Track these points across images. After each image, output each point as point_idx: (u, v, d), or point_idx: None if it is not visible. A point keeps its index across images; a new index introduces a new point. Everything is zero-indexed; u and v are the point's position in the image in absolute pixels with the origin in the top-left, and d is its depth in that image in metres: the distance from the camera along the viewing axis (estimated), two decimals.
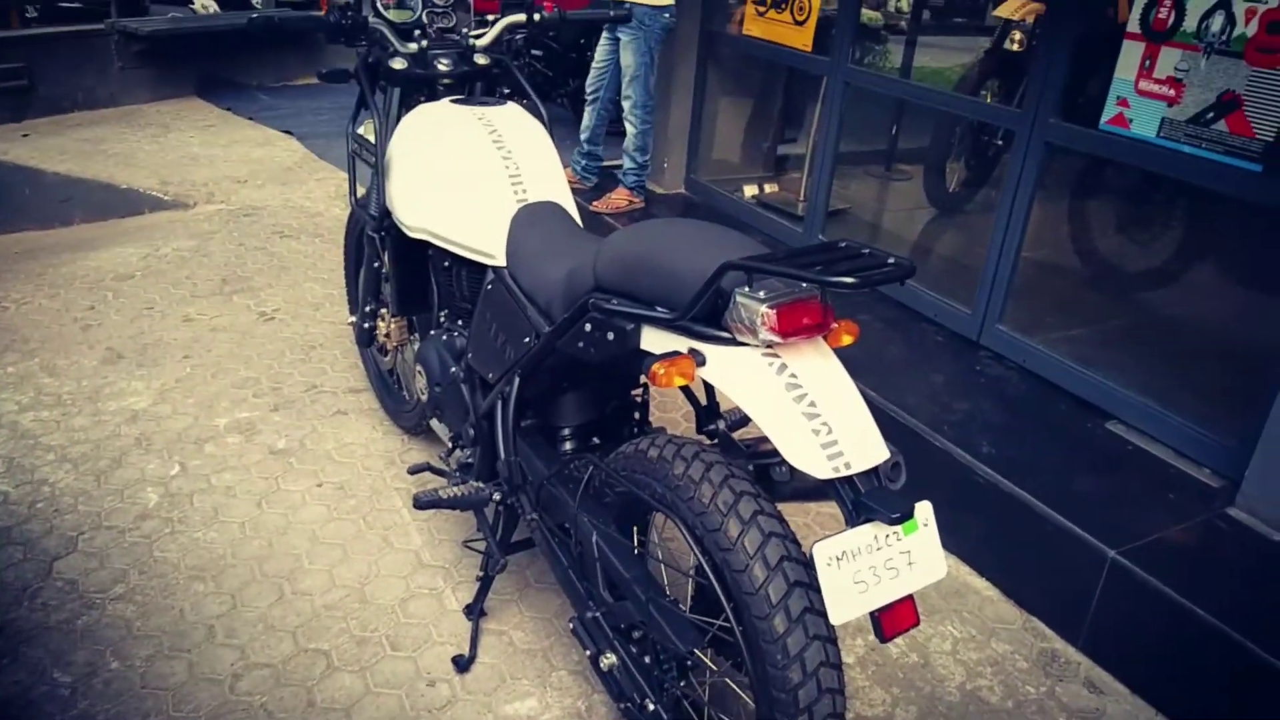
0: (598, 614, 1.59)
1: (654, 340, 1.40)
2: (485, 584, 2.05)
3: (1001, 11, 3.99)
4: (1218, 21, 2.29)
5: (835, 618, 1.20)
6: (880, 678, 2.06)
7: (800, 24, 3.68)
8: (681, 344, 1.35)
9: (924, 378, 2.80)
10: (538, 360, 1.65)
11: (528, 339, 1.69)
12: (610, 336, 1.45)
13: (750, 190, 4.25)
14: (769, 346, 1.29)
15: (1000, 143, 4.15)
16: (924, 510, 1.28)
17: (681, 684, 1.58)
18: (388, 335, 2.51)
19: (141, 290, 3.67)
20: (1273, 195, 2.23)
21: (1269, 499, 2.17)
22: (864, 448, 1.26)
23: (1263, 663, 1.79)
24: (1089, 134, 2.62)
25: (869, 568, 1.22)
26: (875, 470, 1.27)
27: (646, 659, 1.57)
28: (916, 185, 4.43)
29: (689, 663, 1.57)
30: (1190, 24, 2.35)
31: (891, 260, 1.21)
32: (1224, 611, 1.88)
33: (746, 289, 1.28)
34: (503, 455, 1.76)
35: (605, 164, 4.40)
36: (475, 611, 2.05)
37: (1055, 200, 2.94)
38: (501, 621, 2.12)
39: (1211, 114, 2.33)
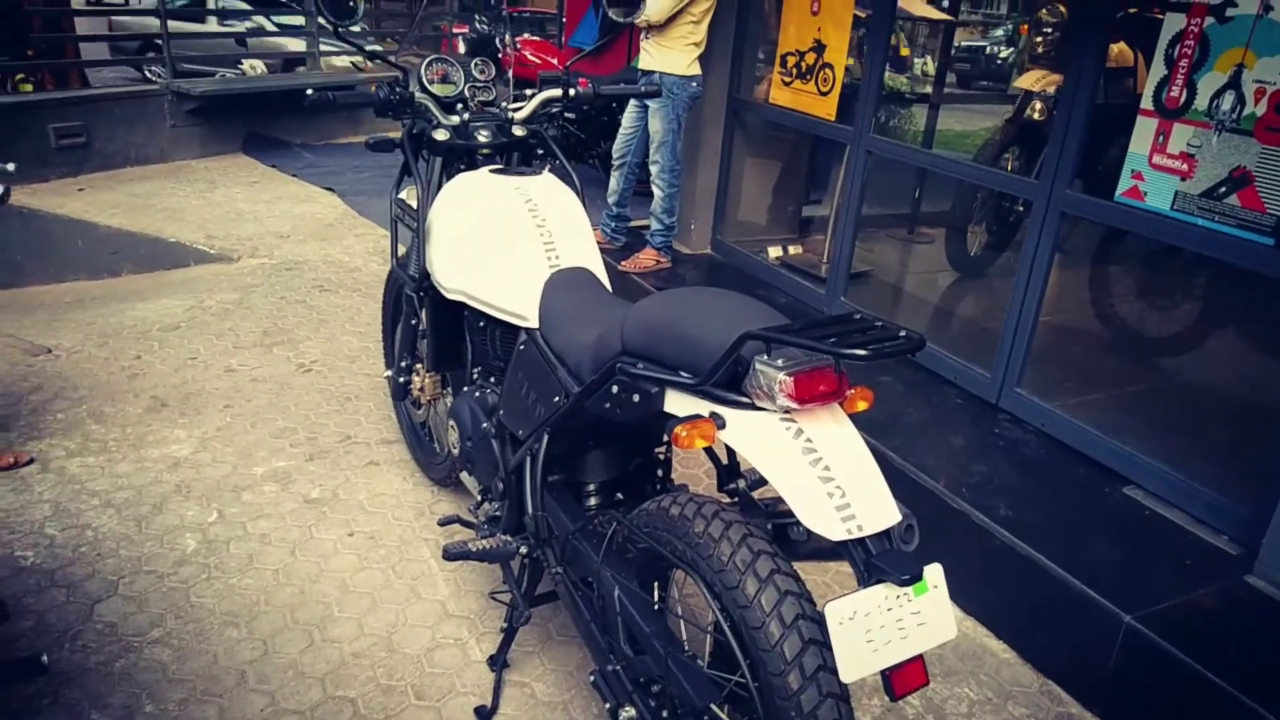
0: (618, 667, 1.65)
1: (677, 403, 1.48)
2: (509, 635, 2.10)
3: (1022, 83, 4.11)
4: (1228, 100, 2.37)
5: (846, 676, 1.24)
6: None
7: (824, 94, 3.81)
8: (703, 407, 1.42)
9: (943, 439, 2.85)
10: (566, 419, 1.73)
11: (557, 398, 1.77)
12: (636, 398, 1.53)
13: (775, 252, 4.35)
14: (786, 412, 1.36)
15: (1022, 208, 4.23)
16: (934, 573, 1.33)
17: None
18: (422, 390, 2.60)
19: (186, 341, 3.81)
20: None
21: None
22: (876, 510, 1.32)
23: None
24: (1104, 205, 2.70)
25: (880, 627, 1.27)
26: (888, 532, 1.33)
27: (664, 713, 1.61)
28: (939, 249, 4.51)
29: (705, 718, 1.61)
30: (1201, 102, 2.43)
31: (903, 334, 1.28)
32: (1240, 679, 1.90)
33: (765, 357, 1.35)
34: (530, 510, 1.83)
35: (633, 224, 4.53)
36: (499, 663, 2.11)
37: (1075, 267, 3.00)
38: (524, 674, 2.17)
39: (1224, 189, 2.40)
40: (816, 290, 3.88)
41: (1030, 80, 4.04)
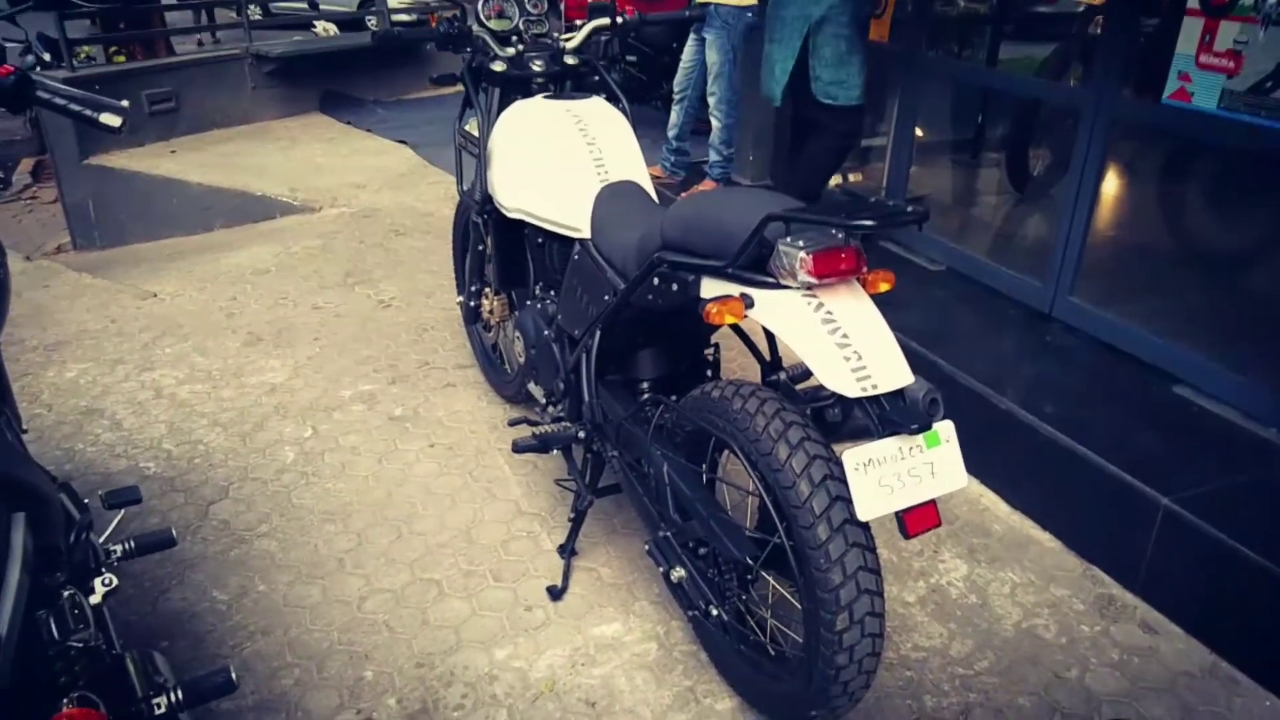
0: (668, 533, 1.82)
1: (711, 288, 1.62)
2: (576, 524, 2.30)
3: None
4: None
5: (862, 514, 1.39)
6: (939, 615, 2.21)
7: (877, 16, 3.83)
8: (734, 289, 1.57)
9: (993, 347, 2.92)
10: (615, 314, 1.89)
11: (607, 296, 1.94)
12: (674, 287, 1.68)
13: (834, 179, 4.40)
14: (808, 288, 1.50)
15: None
16: (946, 428, 1.46)
17: (743, 595, 1.79)
18: (491, 311, 2.80)
19: (276, 283, 4.09)
20: None
21: None
22: (890, 372, 1.45)
23: None
24: (1152, 108, 2.71)
25: (894, 474, 1.41)
26: (902, 394, 1.46)
27: (710, 572, 1.78)
28: (1000, 171, 4.50)
29: (749, 576, 1.78)
30: None
31: (910, 208, 1.39)
32: (1275, 552, 1.97)
33: (788, 239, 1.48)
34: (586, 398, 2.01)
35: (693, 160, 4.63)
36: (567, 550, 2.31)
37: (1127, 177, 3.01)
38: (591, 560, 2.37)
39: (1270, 83, 2.40)
40: None
41: None
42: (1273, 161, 2.51)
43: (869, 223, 1.33)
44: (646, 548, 1.91)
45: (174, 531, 1.88)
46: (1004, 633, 2.16)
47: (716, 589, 1.76)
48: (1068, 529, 2.45)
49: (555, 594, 2.23)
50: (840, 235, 1.46)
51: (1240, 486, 2.24)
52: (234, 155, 6.08)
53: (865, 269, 1.51)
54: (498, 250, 2.54)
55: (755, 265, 1.53)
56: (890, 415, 1.42)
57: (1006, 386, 2.65)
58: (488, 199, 2.42)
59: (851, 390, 1.42)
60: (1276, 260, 2.88)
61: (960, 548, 2.44)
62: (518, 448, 2.06)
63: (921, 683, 2.01)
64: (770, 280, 1.52)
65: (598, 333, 1.95)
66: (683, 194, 4.35)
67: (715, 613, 1.75)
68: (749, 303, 1.54)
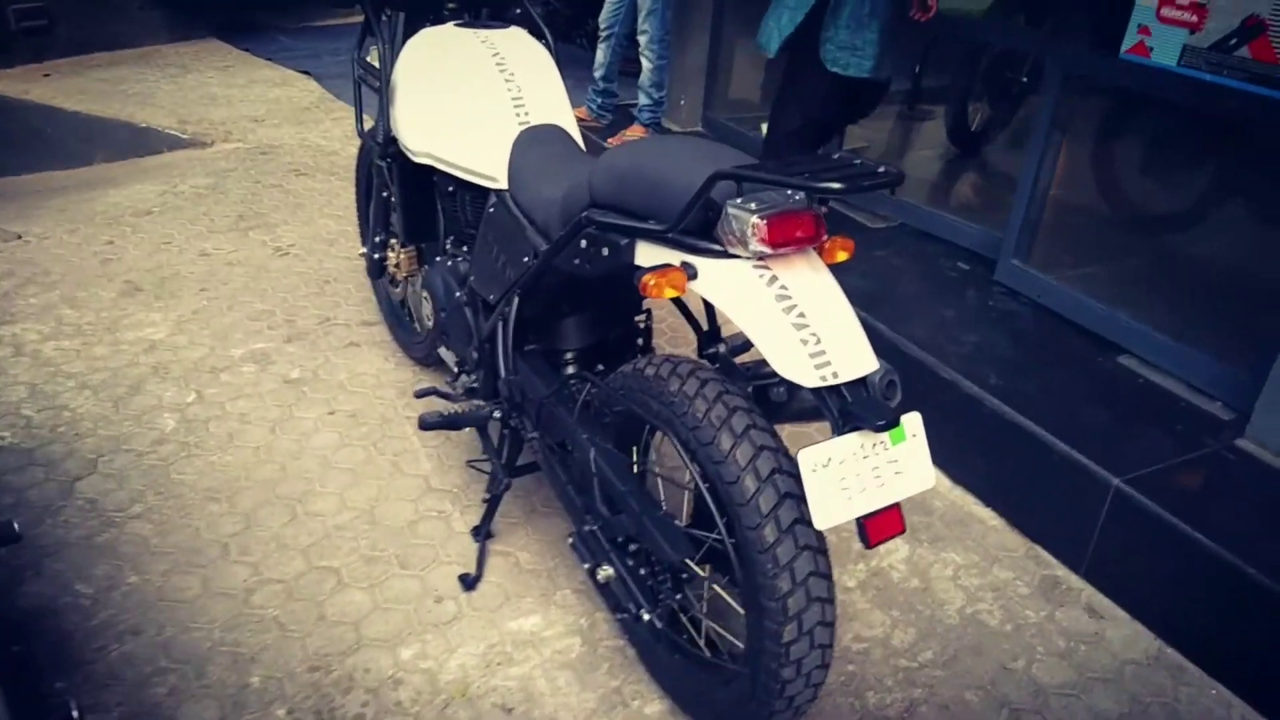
0: (594, 528, 1.63)
1: (648, 254, 1.41)
2: (491, 506, 2.09)
3: None
4: None
5: (819, 522, 1.21)
6: (880, 601, 2.08)
7: None
8: (674, 257, 1.35)
9: (935, 312, 2.79)
10: (536, 279, 1.66)
11: (527, 258, 1.70)
12: (605, 251, 1.46)
13: (767, 127, 4.20)
14: (760, 258, 1.29)
15: (1025, 79, 4.06)
16: (913, 421, 1.28)
17: (677, 596, 1.61)
18: (397, 266, 2.53)
19: (159, 226, 3.71)
20: None
21: (1277, 430, 2.15)
22: (852, 358, 1.27)
23: (1262, 588, 1.80)
24: (1109, 63, 2.56)
25: (855, 475, 1.23)
26: (864, 382, 1.28)
27: (642, 571, 1.60)
28: (938, 124, 4.35)
29: (684, 575, 1.60)
30: None
31: (881, 169, 1.20)
32: (1226, 537, 1.89)
33: (738, 200, 1.27)
34: (503, 374, 1.78)
35: (620, 102, 4.36)
36: (482, 533, 2.10)
37: (1077, 138, 2.89)
38: (508, 544, 2.16)
39: (1234, 40, 2.27)
40: None
41: None
42: (1230, 124, 2.39)
43: (835, 185, 1.13)
44: (570, 541, 1.72)
45: (16, 525, 1.59)
46: (948, 620, 2.05)
47: (648, 591, 1.58)
48: (1011, 507, 2.34)
49: (468, 583, 2.02)
50: (798, 198, 1.26)
51: (1188, 466, 2.15)
52: (117, 82, 5.53)
53: (825, 235, 1.32)
54: (403, 199, 2.27)
55: (699, 229, 1.32)
56: (852, 408, 1.23)
57: (950, 355, 2.52)
58: (391, 140, 2.14)
59: (809, 380, 1.23)
60: (1223, 228, 2.80)
61: None
62: (424, 424, 1.83)
63: (864, 678, 1.88)
64: (716, 248, 1.31)
65: (516, 299, 1.72)
66: (610, 140, 4.09)
67: (646, 617, 1.57)
68: (691, 273, 1.33)
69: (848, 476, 1.22)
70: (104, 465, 2.34)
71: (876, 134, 4.18)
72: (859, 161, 1.24)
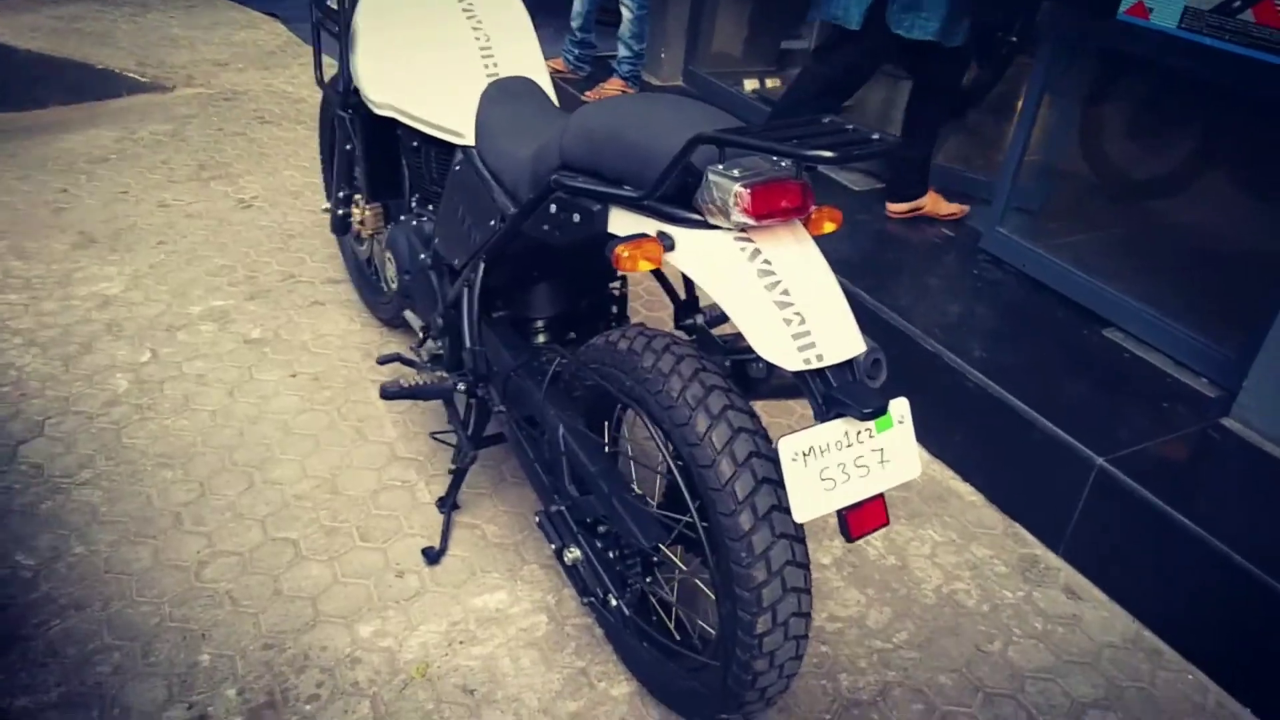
0: (562, 508, 1.55)
1: (622, 222, 1.31)
2: (457, 478, 2.01)
3: None
4: None
5: (800, 515, 1.14)
6: (856, 579, 2.03)
7: None
8: (650, 226, 1.26)
9: (917, 281, 2.71)
10: (503, 245, 1.56)
11: (493, 222, 1.60)
12: (576, 218, 1.36)
13: (751, 85, 4.08)
14: (742, 230, 1.20)
15: (1015, 39, 3.95)
16: (900, 407, 1.21)
17: (647, 580, 1.55)
18: (362, 223, 2.41)
19: (116, 174, 3.54)
20: None
21: (1264, 409, 2.11)
22: (839, 339, 1.19)
23: (1245, 572, 1.76)
24: (1105, 24, 2.46)
25: (838, 465, 1.16)
26: (850, 364, 1.20)
27: (611, 554, 1.53)
28: None
29: (655, 559, 1.53)
30: None
31: (876, 135, 1.11)
32: (1208, 519, 1.84)
33: (720, 166, 1.18)
34: (467, 344, 1.69)
35: (599, 54, 4.21)
36: (447, 505, 2.02)
37: (1067, 103, 2.80)
38: (475, 515, 2.09)
39: (1238, 3, 2.18)
40: None
41: None
42: (1230, 92, 2.31)
43: (826, 153, 1.04)
44: (537, 519, 1.64)
45: None
46: (924, 599, 2.00)
47: (616, 576, 1.51)
48: (991, 483, 2.30)
49: (432, 557, 1.95)
50: (785, 165, 1.17)
51: (1172, 445, 2.11)
52: (73, 20, 5.28)
53: (813, 206, 1.23)
54: (366, 153, 2.15)
55: (677, 197, 1.23)
56: (837, 394, 1.16)
57: (933, 326, 2.45)
58: (352, 91, 2.01)
59: (792, 363, 1.15)
60: (1215, 199, 2.73)
61: None
62: (386, 393, 1.74)
63: (837, 659, 1.84)
64: (695, 217, 1.22)
65: (481, 266, 1.62)
66: (587, 93, 3.95)
67: (615, 603, 1.50)
68: (668, 244, 1.24)
69: (830, 466, 1.15)
70: (51, 428, 2.23)
71: (858, 94, 4.05)
72: (851, 127, 1.15)
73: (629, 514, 1.39)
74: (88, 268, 2.91)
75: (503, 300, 1.79)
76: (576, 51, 4.12)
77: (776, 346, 1.16)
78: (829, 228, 1.32)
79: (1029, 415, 2.15)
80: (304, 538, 1.99)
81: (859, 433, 1.17)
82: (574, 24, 4.06)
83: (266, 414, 2.35)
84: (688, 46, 4.19)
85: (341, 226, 2.55)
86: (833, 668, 1.82)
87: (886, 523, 1.21)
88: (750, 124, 1.27)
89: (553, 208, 1.39)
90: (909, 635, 1.91)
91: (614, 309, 1.91)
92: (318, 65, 2.16)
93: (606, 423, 1.67)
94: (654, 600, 1.62)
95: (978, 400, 2.26)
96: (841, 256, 2.76)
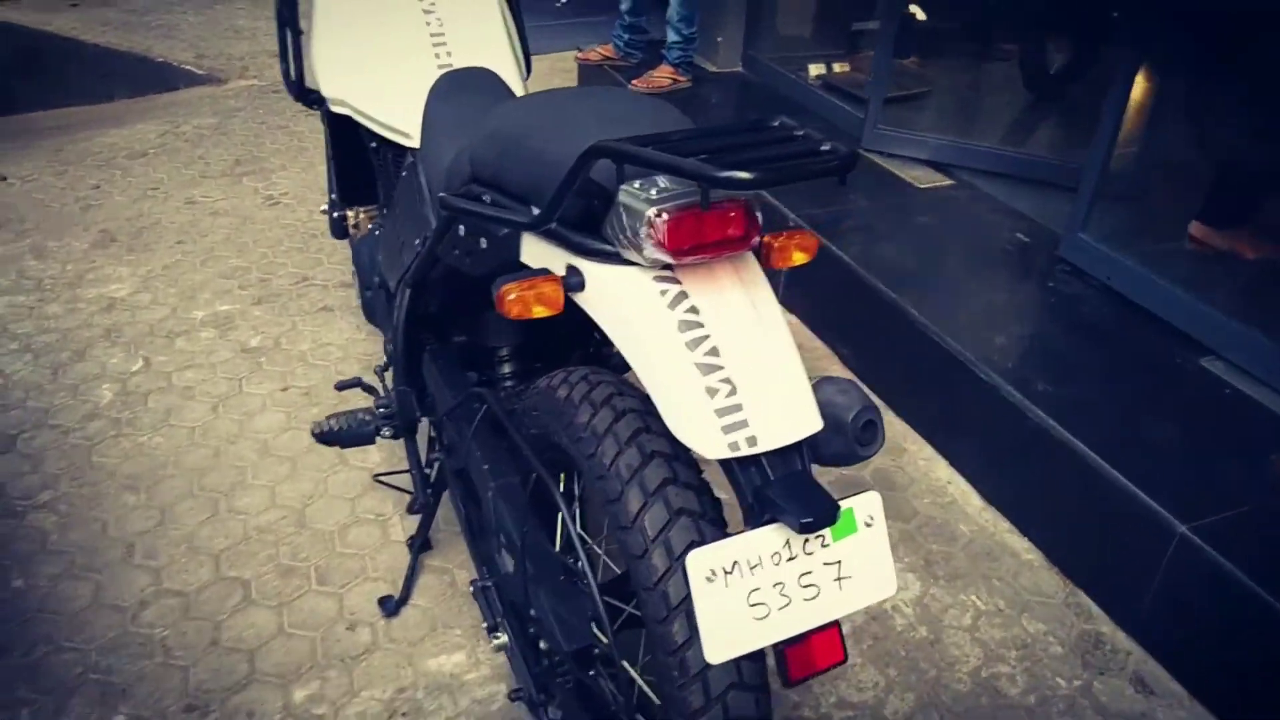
0: (489, 583, 1.30)
1: (533, 252, 1.05)
2: (427, 516, 1.79)
3: None
4: None
5: (711, 655, 0.86)
6: (877, 655, 1.73)
7: None
8: (561, 258, 1.00)
9: (980, 295, 2.36)
10: (423, 271, 1.32)
11: (418, 241, 1.36)
12: (483, 244, 1.11)
13: (816, 70, 3.72)
14: (666, 267, 0.93)
15: (1115, 14, 3.48)
16: (867, 505, 0.91)
17: (589, 673, 1.29)
18: (355, 227, 2.22)
19: (151, 170, 3.48)
20: None
21: None
22: (782, 417, 0.90)
23: None
24: None
25: (773, 584, 0.87)
26: (798, 449, 0.91)
27: (542, 643, 1.28)
28: (1013, 67, 3.80)
29: (595, 650, 1.27)
30: None
31: (826, 146, 0.81)
32: None
33: (636, 184, 0.91)
34: (387, 383, 1.46)
35: (652, 38, 3.92)
36: (416, 545, 1.81)
37: (1171, 83, 2.39)
38: (446, 558, 1.87)
39: None
40: (855, 114, 3.29)
41: None
42: None
43: (742, 175, 0.75)
44: (472, 589, 1.40)
45: None
46: (957, 685, 1.68)
47: (543, 676, 1.25)
48: (1052, 540, 1.95)
49: (390, 608, 1.74)
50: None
51: (1274, 512, 1.72)
52: (143, 12, 5.32)
53: (758, 236, 0.94)
54: (334, 153, 1.94)
55: (585, 222, 0.96)
56: (768, 493, 0.87)
57: (992, 351, 2.10)
58: (309, 86, 1.81)
59: (713, 448, 0.87)
60: None
61: (916, 556, 1.94)
62: (316, 436, 1.52)
63: None
64: (608, 248, 0.95)
65: (407, 291, 1.38)
66: (634, 81, 3.67)
67: (548, 712, 1.25)
68: (576, 283, 0.97)
69: (763, 586, 0.86)
70: (23, 443, 2.13)
71: (940, 77, 3.66)
72: (801, 133, 0.86)
73: (553, 608, 1.13)
74: (102, 268, 2.83)
75: (459, 325, 1.55)
76: (626, 36, 3.85)
77: (692, 425, 0.88)
78: (799, 258, 1.03)
79: (1098, 465, 1.79)
80: (257, 577, 1.81)
81: (805, 541, 0.88)
82: (622, 6, 3.78)
83: (247, 432, 2.19)
84: (747, 29, 3.86)
85: (340, 230, 2.36)
86: None
87: (844, 660, 0.91)
88: (699, 126, 0.99)
89: (461, 230, 1.14)
90: None
91: (597, 335, 1.65)
92: (283, 56, 1.96)
93: (562, 474, 1.41)
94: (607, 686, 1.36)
95: (1040, 441, 1.91)
96: (888, 262, 2.42)
